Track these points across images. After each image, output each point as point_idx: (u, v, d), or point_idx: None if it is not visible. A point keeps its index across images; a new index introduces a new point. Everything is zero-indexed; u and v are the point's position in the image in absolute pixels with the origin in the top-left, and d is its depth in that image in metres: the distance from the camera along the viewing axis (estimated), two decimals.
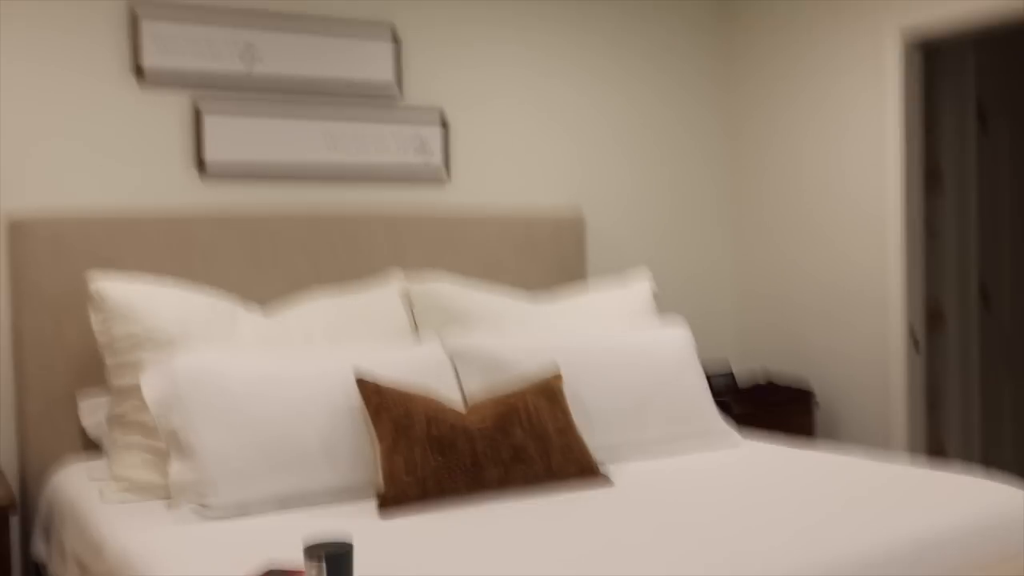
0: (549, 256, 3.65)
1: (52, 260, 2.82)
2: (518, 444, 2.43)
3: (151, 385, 2.37)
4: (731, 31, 4.23)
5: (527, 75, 3.76)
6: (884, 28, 3.67)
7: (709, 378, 3.94)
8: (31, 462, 2.80)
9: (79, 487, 2.52)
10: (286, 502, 2.33)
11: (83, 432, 2.83)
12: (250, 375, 2.39)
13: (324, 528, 2.15)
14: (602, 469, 2.59)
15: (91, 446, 2.83)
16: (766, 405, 3.79)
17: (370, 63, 3.36)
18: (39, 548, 2.62)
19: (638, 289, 3.33)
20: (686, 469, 2.66)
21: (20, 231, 2.80)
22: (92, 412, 2.77)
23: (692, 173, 4.17)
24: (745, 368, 4.26)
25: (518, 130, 3.75)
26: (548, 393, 2.61)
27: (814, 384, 4.00)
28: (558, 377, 2.67)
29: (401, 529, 2.15)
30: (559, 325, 3.14)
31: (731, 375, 4.01)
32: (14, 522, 2.84)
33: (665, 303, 4.09)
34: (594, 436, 2.73)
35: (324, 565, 1.68)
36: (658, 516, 2.19)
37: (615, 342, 2.95)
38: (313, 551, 1.69)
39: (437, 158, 3.51)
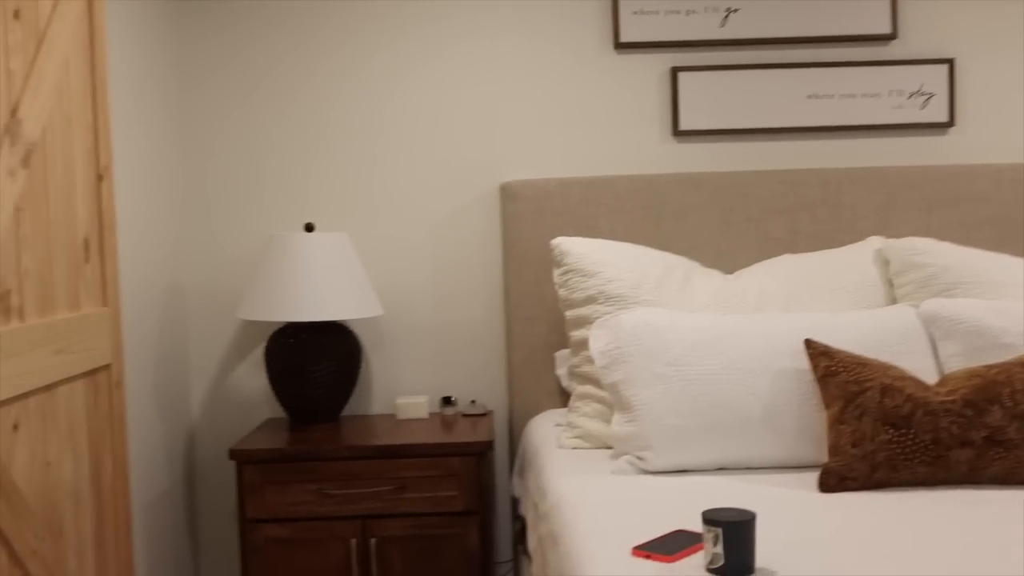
0: None
1: (535, 221, 3.03)
2: (995, 425, 2.08)
3: (597, 339, 2.44)
4: None
5: None
6: None
7: None
8: (516, 407, 3.06)
9: (544, 432, 2.69)
10: (723, 465, 2.26)
11: (558, 381, 3.01)
12: (692, 335, 2.35)
13: (757, 495, 2.04)
14: None
15: (564, 395, 3.01)
16: None
17: (862, 15, 3.10)
18: (516, 485, 2.85)
19: None
20: None
21: (508, 194, 3.05)
22: (562, 363, 2.93)
23: None
24: None
25: None
26: None
27: None
28: None
29: (841, 506, 1.97)
30: None
31: None
32: (497, 458, 3.14)
33: None
34: None
35: (721, 533, 1.60)
36: None
37: None
38: (712, 517, 1.62)
39: (938, 109, 3.13)
